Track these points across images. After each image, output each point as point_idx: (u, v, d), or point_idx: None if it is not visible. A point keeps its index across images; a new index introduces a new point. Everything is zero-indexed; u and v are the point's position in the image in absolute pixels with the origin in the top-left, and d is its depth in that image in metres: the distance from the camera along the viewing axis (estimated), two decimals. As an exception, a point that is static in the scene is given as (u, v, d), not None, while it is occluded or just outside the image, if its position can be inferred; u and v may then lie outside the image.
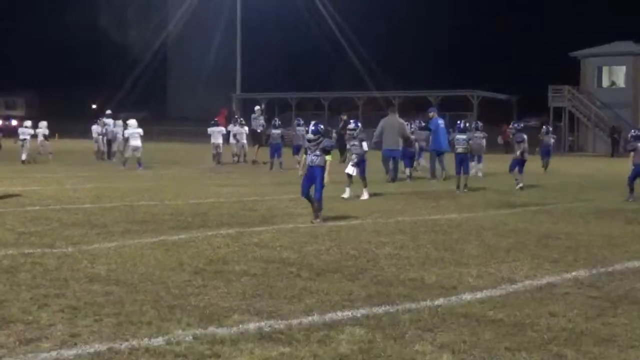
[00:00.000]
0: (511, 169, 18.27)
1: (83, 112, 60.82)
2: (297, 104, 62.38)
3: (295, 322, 5.47)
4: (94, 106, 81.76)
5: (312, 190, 11.00)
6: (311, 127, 11.33)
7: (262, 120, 31.05)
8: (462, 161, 16.83)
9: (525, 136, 18.41)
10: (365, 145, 14.76)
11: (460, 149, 16.80)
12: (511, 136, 20.89)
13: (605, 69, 54.35)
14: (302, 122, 27.28)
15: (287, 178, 20.00)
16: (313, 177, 10.97)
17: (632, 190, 15.23)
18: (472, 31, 75.66)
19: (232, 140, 29.11)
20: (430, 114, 21.72)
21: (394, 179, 19.46)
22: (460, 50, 76.67)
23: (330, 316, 5.66)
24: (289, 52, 78.95)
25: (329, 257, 8.19)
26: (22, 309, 5.70)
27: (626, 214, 12.81)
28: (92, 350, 4.77)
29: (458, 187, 16.67)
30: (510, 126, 18.76)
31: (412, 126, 23.16)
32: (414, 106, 51.21)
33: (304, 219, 11.38)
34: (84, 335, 5.07)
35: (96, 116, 31.24)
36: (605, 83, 54.53)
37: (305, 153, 11.38)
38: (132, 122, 24.77)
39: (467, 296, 6.40)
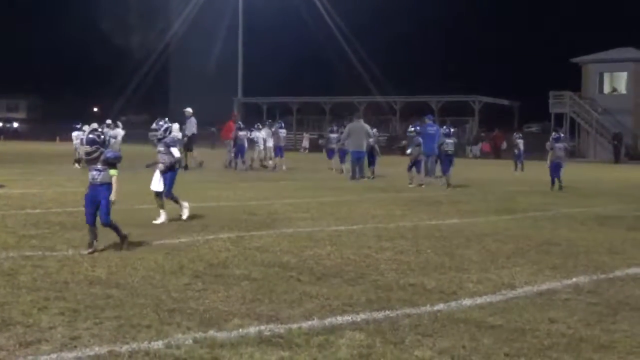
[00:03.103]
0: (409, 169, 20.51)
1: (85, 116, 60.95)
2: (298, 108, 62.38)
3: (295, 326, 5.47)
4: (95, 109, 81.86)
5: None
6: (87, 137, 8.64)
7: (194, 123, 29.26)
8: (450, 161, 20.17)
9: (417, 139, 20.61)
10: (175, 151, 11.78)
11: (450, 151, 20.06)
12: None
13: (606, 75, 54.44)
14: (283, 124, 30.85)
15: (286, 181, 20.00)
16: (96, 198, 8.56)
17: (553, 182, 19.18)
18: (474, 37, 75.81)
19: (261, 145, 28.69)
20: (427, 121, 24.51)
21: (358, 177, 21.69)
22: (462, 56, 76.80)
23: (330, 321, 5.66)
24: (291, 56, 79.01)
25: (329, 261, 8.20)
26: (23, 312, 5.70)
27: (627, 221, 12.81)
28: (92, 353, 4.78)
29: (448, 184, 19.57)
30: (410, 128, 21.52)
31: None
32: (415, 111, 51.21)
33: (305, 223, 11.38)
34: (84, 338, 5.07)
35: (102, 120, 31.29)
36: (607, 89, 54.61)
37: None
38: (175, 126, 24.44)
39: (467, 302, 6.40)
